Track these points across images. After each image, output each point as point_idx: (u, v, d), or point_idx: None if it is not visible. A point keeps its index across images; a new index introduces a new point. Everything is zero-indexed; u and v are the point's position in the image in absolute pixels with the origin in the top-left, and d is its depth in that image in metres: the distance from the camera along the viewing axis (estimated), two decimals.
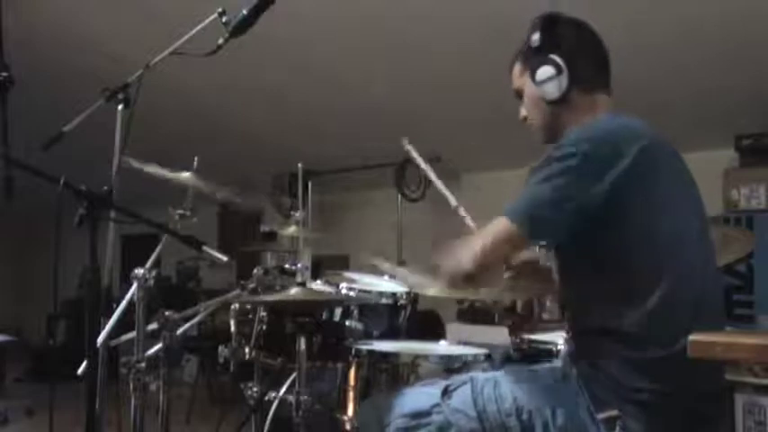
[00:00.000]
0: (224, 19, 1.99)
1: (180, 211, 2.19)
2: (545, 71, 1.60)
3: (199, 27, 2.03)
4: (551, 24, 1.63)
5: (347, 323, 2.32)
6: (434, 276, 1.69)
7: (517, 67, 1.71)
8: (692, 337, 1.07)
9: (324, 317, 2.31)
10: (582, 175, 1.41)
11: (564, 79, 1.58)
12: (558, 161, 1.43)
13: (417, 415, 1.60)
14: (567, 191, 1.41)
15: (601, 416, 1.42)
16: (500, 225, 1.45)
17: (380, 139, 5.02)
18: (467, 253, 1.48)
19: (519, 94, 1.72)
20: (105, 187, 1.78)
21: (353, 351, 2.14)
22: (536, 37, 1.62)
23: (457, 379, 1.65)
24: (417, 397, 1.65)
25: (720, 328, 1.49)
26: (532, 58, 1.63)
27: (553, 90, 1.60)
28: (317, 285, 2.42)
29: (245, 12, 1.99)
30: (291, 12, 2.80)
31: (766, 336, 1.17)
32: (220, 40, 2.01)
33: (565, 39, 1.62)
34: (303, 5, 3.48)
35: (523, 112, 1.72)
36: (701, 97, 3.90)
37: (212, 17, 2.00)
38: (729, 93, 3.82)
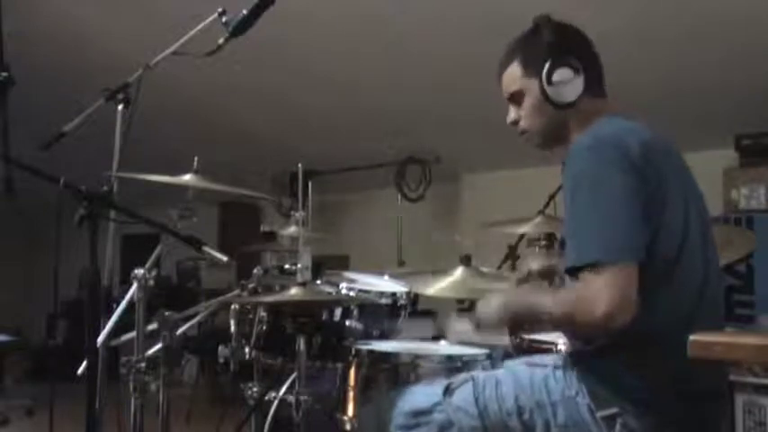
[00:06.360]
0: (224, 19, 1.99)
1: (180, 211, 2.19)
2: (562, 73, 1.55)
3: (199, 27, 2.03)
4: (556, 27, 1.60)
5: (347, 323, 2.32)
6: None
7: (515, 70, 1.63)
8: (692, 337, 1.07)
9: (324, 317, 2.31)
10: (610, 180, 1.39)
11: (580, 82, 1.55)
12: (589, 178, 1.41)
13: (419, 413, 1.60)
14: (617, 196, 1.38)
15: (601, 413, 1.42)
16: (599, 277, 1.32)
17: (380, 139, 5.05)
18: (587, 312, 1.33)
19: (514, 97, 1.65)
20: (105, 187, 1.79)
21: (353, 351, 2.14)
22: (549, 36, 1.57)
23: (459, 378, 1.65)
24: (419, 395, 1.65)
25: (720, 328, 1.49)
26: (547, 59, 1.55)
27: (569, 93, 1.55)
28: (317, 285, 2.42)
29: (245, 12, 1.99)
30: (291, 12, 2.80)
31: (766, 336, 1.17)
32: (220, 40, 2.01)
33: (576, 41, 1.60)
34: (303, 6, 3.48)
35: (514, 115, 1.66)
36: (702, 97, 3.90)
37: (212, 17, 2.00)
38: (730, 92, 3.83)
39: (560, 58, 1.55)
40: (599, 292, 1.32)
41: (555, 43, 1.57)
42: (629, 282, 1.33)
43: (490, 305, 1.56)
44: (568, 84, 1.55)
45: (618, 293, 1.31)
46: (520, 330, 1.57)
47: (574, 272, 1.39)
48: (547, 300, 1.50)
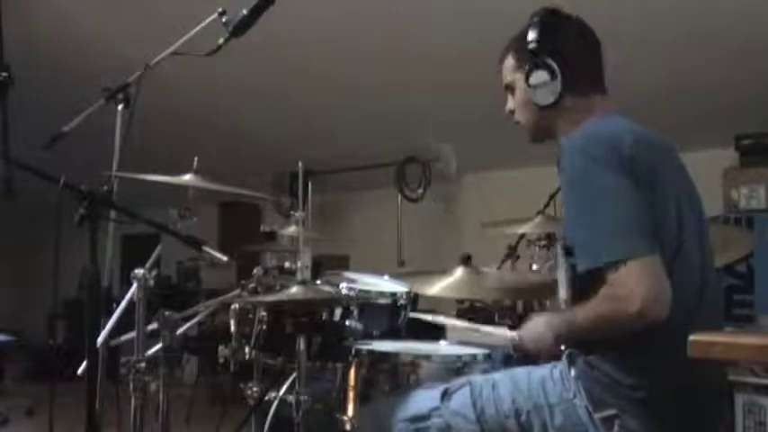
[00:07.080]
0: (224, 19, 1.99)
1: (180, 211, 2.18)
2: (539, 76, 1.56)
3: (199, 27, 2.03)
4: (550, 23, 1.59)
5: (347, 323, 2.32)
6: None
7: (510, 61, 1.67)
8: (692, 337, 1.07)
9: (324, 317, 2.31)
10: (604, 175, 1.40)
11: (557, 85, 1.55)
12: (585, 174, 1.42)
13: (417, 419, 1.61)
14: (611, 195, 1.39)
15: (599, 415, 1.42)
16: (627, 273, 1.33)
17: (380, 139, 5.05)
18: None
19: (509, 88, 1.69)
20: (105, 187, 1.79)
21: (353, 351, 2.14)
22: (533, 37, 1.57)
23: (456, 382, 1.65)
24: (417, 401, 1.66)
25: (720, 328, 1.49)
26: (528, 59, 1.58)
27: (546, 96, 1.57)
28: (317, 285, 2.42)
29: (245, 12, 1.99)
30: (291, 12, 2.80)
31: (766, 336, 1.16)
32: (220, 40, 2.01)
33: (562, 41, 1.58)
34: (303, 6, 3.48)
35: (511, 105, 1.70)
36: (702, 97, 3.90)
37: (212, 17, 2.00)
38: (730, 92, 3.83)
39: (538, 61, 1.56)
40: (633, 288, 1.31)
41: (538, 42, 1.57)
42: (658, 273, 1.33)
43: (537, 328, 1.53)
44: (545, 87, 1.57)
45: (651, 286, 1.31)
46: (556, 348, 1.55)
47: (593, 273, 1.38)
48: (574, 313, 1.47)
